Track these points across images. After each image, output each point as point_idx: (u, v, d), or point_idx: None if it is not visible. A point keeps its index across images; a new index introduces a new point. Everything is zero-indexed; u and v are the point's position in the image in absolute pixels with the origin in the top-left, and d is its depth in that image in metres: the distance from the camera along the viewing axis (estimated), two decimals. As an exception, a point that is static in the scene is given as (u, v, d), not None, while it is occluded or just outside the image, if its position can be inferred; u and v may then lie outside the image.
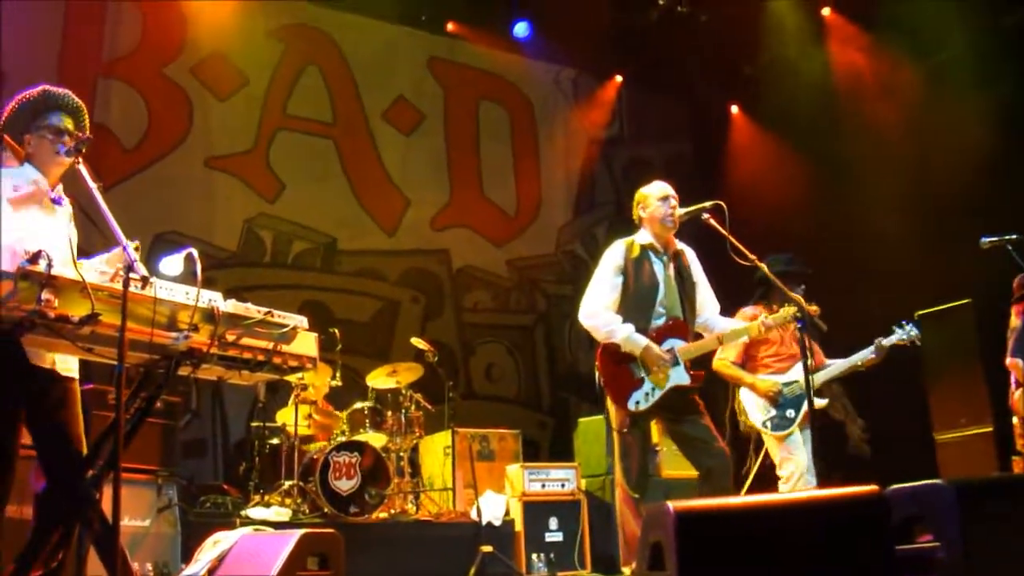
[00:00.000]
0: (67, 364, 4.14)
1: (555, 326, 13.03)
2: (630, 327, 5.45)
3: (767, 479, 7.13)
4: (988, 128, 9.69)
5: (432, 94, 12.77)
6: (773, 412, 6.65)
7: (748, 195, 11.80)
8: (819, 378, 6.73)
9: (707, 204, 5.63)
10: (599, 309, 5.55)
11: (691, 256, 5.90)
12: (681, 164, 13.80)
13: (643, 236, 5.76)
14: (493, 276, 12.78)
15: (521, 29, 12.79)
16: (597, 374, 5.62)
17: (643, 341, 5.42)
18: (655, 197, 5.77)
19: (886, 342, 6.77)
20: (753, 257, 5.45)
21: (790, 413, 6.59)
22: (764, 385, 6.69)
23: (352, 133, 12.05)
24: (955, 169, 9.83)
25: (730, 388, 7.13)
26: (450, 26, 12.65)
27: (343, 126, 12.01)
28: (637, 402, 5.38)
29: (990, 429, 8.98)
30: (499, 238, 12.91)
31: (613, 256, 5.69)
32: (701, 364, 5.70)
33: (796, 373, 6.66)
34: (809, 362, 5.76)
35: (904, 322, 6.86)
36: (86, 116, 4.37)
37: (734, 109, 13.76)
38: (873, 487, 3.39)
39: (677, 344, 5.49)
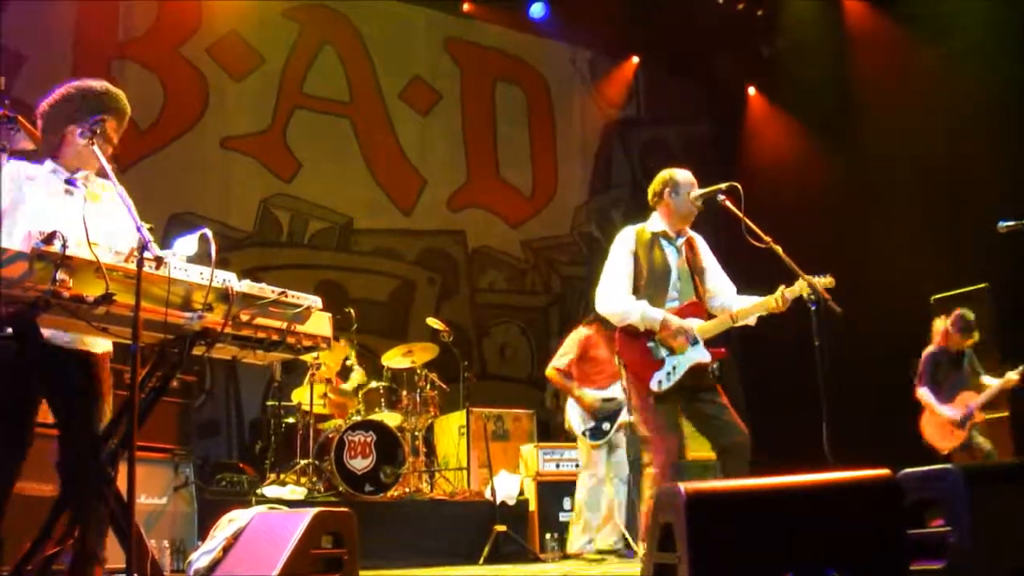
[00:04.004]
0: (94, 339, 4.15)
1: (570, 307, 13.03)
2: (643, 303, 5.42)
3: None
4: (1007, 111, 9.63)
5: (449, 74, 12.77)
6: (592, 423, 7.74)
7: (764, 176, 11.78)
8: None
9: (723, 185, 5.57)
10: (613, 294, 5.53)
11: (700, 242, 5.86)
12: (698, 145, 13.76)
13: (655, 223, 5.71)
14: (508, 257, 12.79)
15: (537, 10, 12.78)
16: (617, 358, 5.61)
17: (659, 314, 5.39)
18: (687, 188, 5.69)
19: None
20: (768, 239, 5.40)
21: (605, 426, 7.70)
22: (588, 399, 7.74)
23: (369, 112, 12.06)
24: (973, 152, 9.77)
25: None
26: (466, 6, 12.64)
27: (360, 105, 12.02)
28: (660, 382, 5.36)
29: (1006, 414, 8.96)
30: (515, 219, 12.92)
31: (624, 242, 5.66)
32: (719, 343, 5.66)
33: (614, 391, 7.64)
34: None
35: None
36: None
37: (751, 91, 13.71)
38: (885, 471, 3.38)
39: (694, 323, 5.48)
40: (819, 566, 3.11)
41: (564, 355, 7.98)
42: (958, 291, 9.42)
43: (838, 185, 11.41)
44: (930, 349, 8.38)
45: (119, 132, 4.30)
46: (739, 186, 5.53)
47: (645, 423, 5.44)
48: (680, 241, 5.69)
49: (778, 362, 8.63)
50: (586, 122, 13.80)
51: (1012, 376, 8.05)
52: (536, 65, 13.47)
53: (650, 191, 5.80)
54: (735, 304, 5.69)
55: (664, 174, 5.78)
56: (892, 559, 3.22)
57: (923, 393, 8.31)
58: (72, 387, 3.98)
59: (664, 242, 5.63)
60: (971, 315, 8.27)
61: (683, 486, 3.11)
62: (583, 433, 7.76)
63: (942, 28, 10.57)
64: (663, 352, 5.42)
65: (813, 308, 5.29)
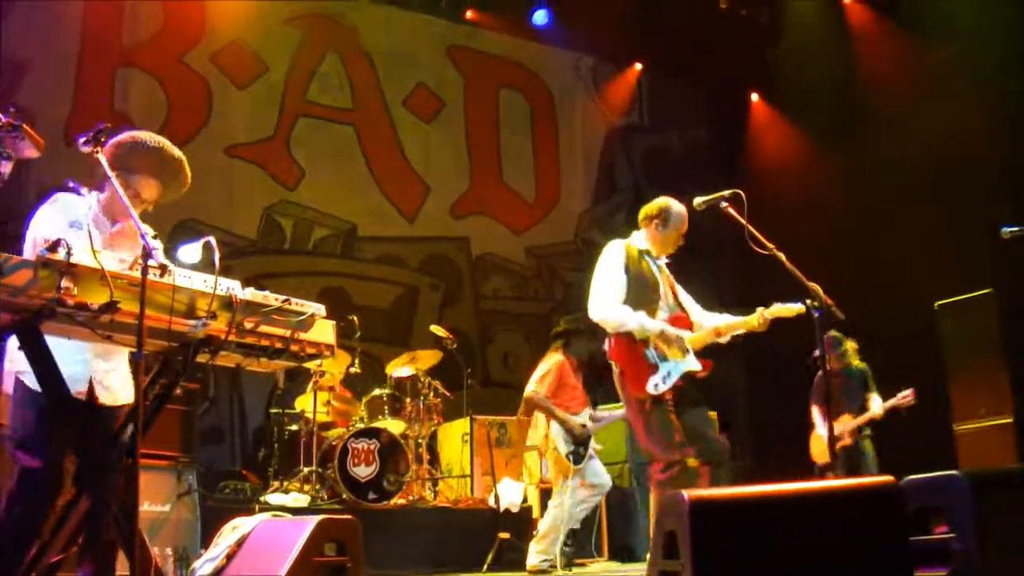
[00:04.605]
0: (113, 393, 4.20)
1: (573, 314, 13.00)
2: (641, 313, 5.49)
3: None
4: (1011, 116, 9.61)
5: (452, 82, 12.77)
6: (573, 447, 7.61)
7: (768, 182, 11.77)
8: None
9: (726, 192, 5.59)
10: (608, 301, 5.58)
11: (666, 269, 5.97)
12: (700, 151, 13.74)
13: (640, 241, 5.80)
14: (512, 263, 12.78)
15: (540, 17, 12.77)
16: (613, 364, 5.63)
17: (657, 324, 5.47)
18: (676, 224, 5.77)
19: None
20: (771, 246, 5.41)
21: (581, 450, 7.63)
22: (574, 422, 7.63)
23: (372, 120, 12.06)
24: (976, 157, 9.75)
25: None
26: (469, 14, 12.65)
27: (363, 113, 12.03)
28: (656, 384, 5.41)
29: (1010, 420, 8.94)
30: (518, 225, 12.91)
31: (614, 253, 5.73)
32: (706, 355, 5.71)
33: (584, 417, 7.72)
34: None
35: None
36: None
37: (754, 96, 13.70)
38: (888, 477, 3.38)
39: (684, 335, 5.54)
40: (823, 573, 3.10)
41: (545, 378, 7.81)
42: (963, 297, 9.41)
43: (841, 190, 11.39)
44: (821, 372, 8.75)
45: (160, 194, 4.28)
46: (742, 193, 5.55)
47: (644, 428, 5.46)
48: (661, 261, 5.78)
49: (782, 368, 8.61)
50: (589, 129, 13.78)
51: (876, 412, 8.50)
52: (539, 72, 13.47)
53: (643, 211, 5.90)
54: (706, 321, 5.76)
55: (661, 201, 5.86)
56: (896, 566, 3.22)
57: (813, 411, 8.89)
58: (95, 442, 3.98)
59: (649, 258, 5.71)
60: (836, 334, 8.57)
61: (687, 493, 3.11)
62: (567, 456, 7.60)
63: (947, 30, 10.54)
64: (657, 358, 5.47)
65: (817, 315, 5.29)
